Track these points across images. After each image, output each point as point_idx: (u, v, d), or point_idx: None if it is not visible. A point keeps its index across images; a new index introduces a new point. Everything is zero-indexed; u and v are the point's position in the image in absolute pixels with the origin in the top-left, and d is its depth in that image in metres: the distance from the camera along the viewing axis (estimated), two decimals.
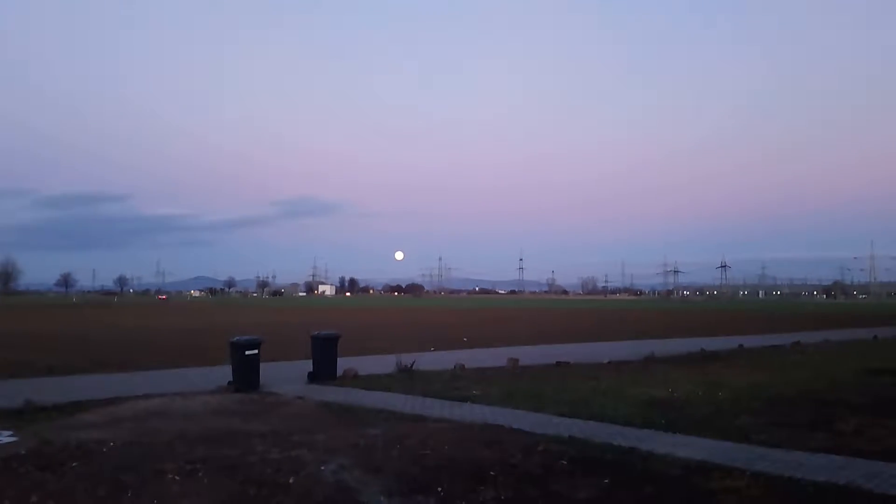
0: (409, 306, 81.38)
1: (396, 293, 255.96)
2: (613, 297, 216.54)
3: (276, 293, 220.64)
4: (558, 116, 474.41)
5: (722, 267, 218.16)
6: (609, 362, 15.97)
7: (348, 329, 27.08)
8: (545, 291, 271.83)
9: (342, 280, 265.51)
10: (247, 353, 11.87)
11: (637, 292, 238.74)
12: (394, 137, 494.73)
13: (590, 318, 46.82)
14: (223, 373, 13.23)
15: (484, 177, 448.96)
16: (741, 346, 20.87)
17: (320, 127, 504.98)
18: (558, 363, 15.63)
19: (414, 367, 13.98)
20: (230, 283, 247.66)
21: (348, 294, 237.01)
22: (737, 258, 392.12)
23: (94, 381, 12.72)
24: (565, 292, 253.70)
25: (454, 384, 12.22)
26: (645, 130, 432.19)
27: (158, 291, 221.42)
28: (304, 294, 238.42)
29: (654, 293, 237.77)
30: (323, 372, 12.99)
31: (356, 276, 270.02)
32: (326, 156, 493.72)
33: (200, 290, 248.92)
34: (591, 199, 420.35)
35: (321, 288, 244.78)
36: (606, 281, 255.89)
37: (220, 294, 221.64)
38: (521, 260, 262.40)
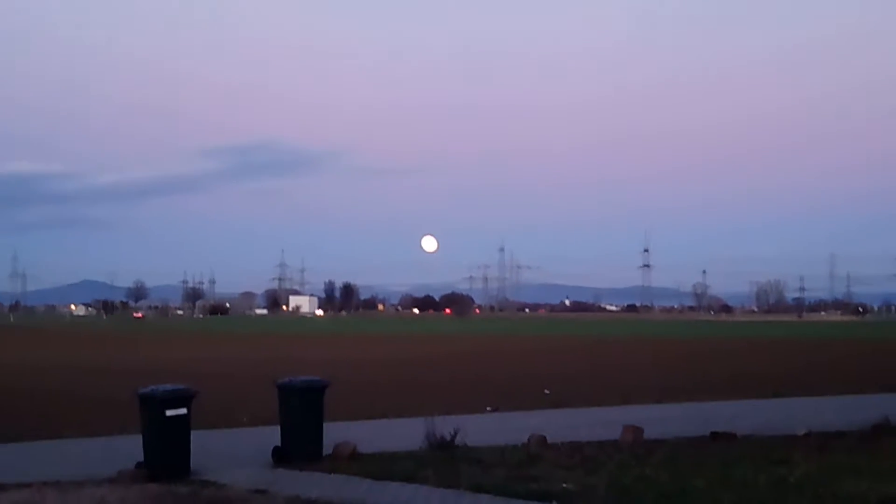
0: (448, 333, 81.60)
1: (425, 310, 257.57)
2: (816, 316, 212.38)
3: (218, 310, 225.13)
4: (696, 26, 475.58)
5: None
6: (807, 434, 15.66)
7: (341, 372, 27.32)
8: (690, 308, 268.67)
9: (329, 287, 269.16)
10: (168, 413, 12.09)
11: (858, 308, 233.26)
12: (424, 50, 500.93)
13: (774, 354, 46.00)
14: (128, 447, 13.58)
15: (577, 121, 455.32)
16: None
17: (286, 16, 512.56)
18: (715, 435, 15.42)
19: (457, 441, 14.01)
20: (138, 293, 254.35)
21: (342, 312, 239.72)
22: None
23: None
24: (727, 309, 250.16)
25: (528, 472, 12.15)
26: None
27: (14, 306, 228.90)
28: (265, 312, 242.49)
29: (888, 309, 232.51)
30: (299, 447, 13.12)
31: (354, 281, 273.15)
32: (301, 71, 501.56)
33: (87, 305, 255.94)
34: (764, 149, 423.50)
35: (294, 301, 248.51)
36: (802, 289, 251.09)
37: (119, 310, 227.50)
38: (645, 253, 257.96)
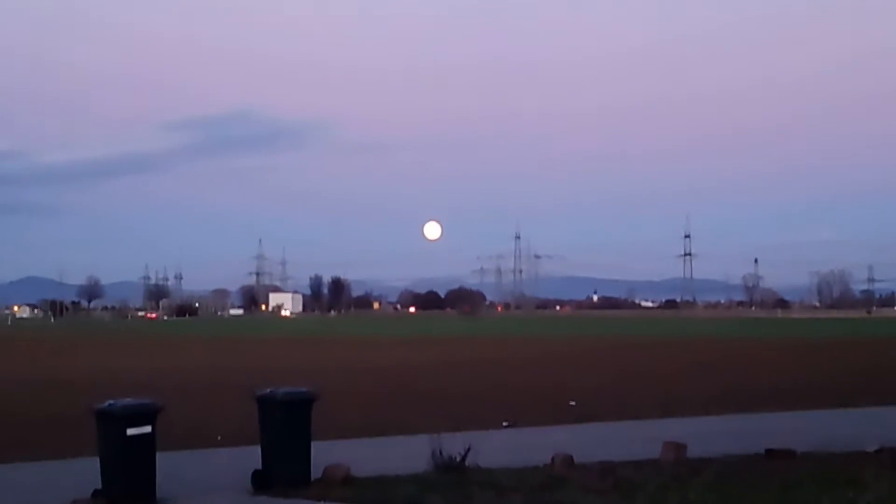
0: (456, 334, 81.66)
1: (427, 308, 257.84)
2: (888, 311, 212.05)
3: (186, 311, 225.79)
4: None
5: None
6: (879, 450, 15.69)
7: (331, 382, 27.38)
8: (739, 303, 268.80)
9: (316, 282, 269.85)
10: (129, 431, 12.14)
11: None
12: (423, 4, 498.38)
13: (838, 356, 45.97)
14: (84, 471, 13.63)
15: (604, 82, 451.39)
16: None
17: None
18: (770, 452, 15.45)
19: (468, 462, 14.05)
20: (92, 292, 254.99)
21: (331, 311, 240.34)
22: None
23: None
24: (783, 304, 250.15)
25: (551, 497, 12.21)
26: None
27: None
28: (241, 312, 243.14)
29: None
30: (283, 470, 13.17)
31: (345, 276, 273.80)
32: (280, 31, 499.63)
33: (32, 305, 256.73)
34: (824, 116, 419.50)
35: (275, 299, 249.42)
36: (871, 280, 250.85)
37: (70, 312, 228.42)
38: (686, 239, 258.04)
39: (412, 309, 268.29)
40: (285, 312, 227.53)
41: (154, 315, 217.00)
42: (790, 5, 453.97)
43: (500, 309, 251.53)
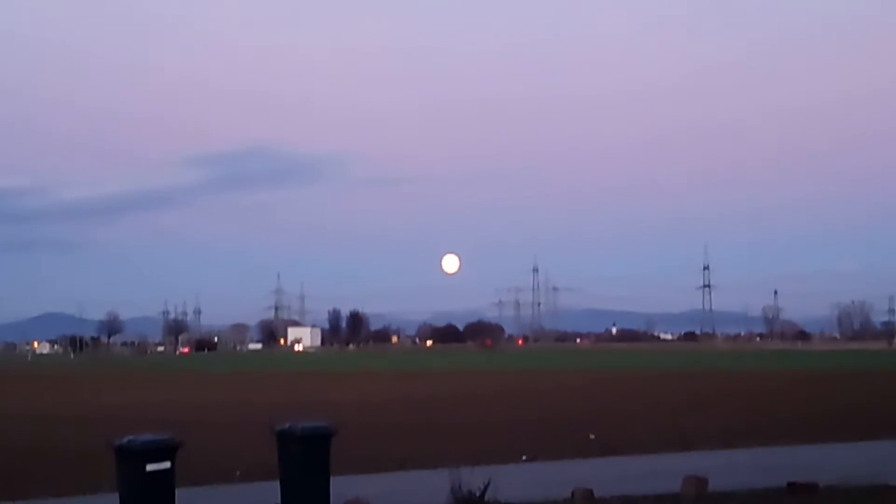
0: (475, 368, 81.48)
1: (446, 341, 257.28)
2: None
3: (205, 345, 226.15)
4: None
5: None
6: None
7: (351, 416, 27.33)
8: (759, 335, 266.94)
9: (334, 316, 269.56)
10: (149, 467, 12.13)
11: None
12: (441, 44, 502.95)
13: (860, 388, 45.65)
14: None
15: (621, 117, 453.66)
16: None
17: (282, 9, 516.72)
18: (793, 486, 15.30)
19: (488, 496, 13.98)
20: (111, 327, 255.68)
21: (349, 346, 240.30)
22: None
23: None
24: (804, 336, 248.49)
25: None
26: None
27: None
28: (259, 346, 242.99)
29: None
30: None
31: (363, 309, 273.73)
32: (300, 68, 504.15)
33: (52, 341, 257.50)
34: (844, 143, 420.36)
35: (293, 334, 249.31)
36: (893, 311, 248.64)
37: (90, 348, 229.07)
38: (705, 271, 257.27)
39: (429, 342, 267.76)
40: (298, 347, 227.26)
41: (188, 349, 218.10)
42: (807, 35, 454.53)
43: (520, 342, 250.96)
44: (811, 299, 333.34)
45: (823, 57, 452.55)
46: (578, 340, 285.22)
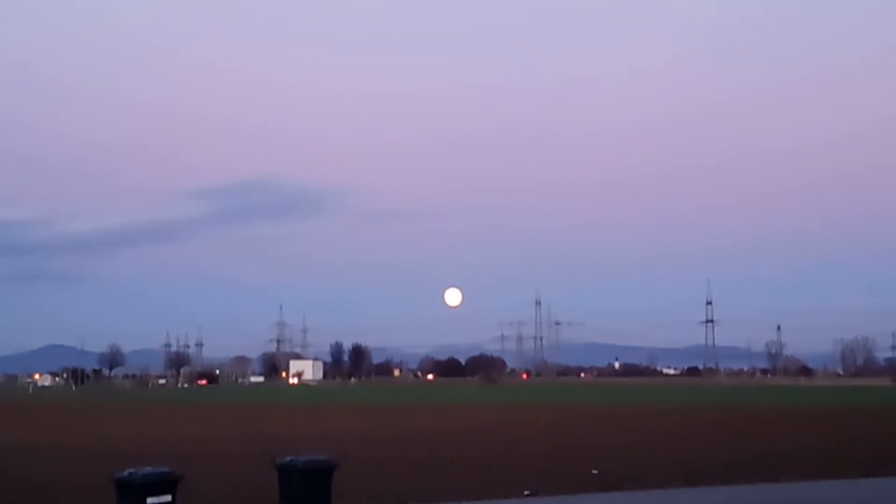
0: (477, 402, 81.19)
1: (448, 375, 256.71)
2: None
3: (206, 378, 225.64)
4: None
5: None
6: None
7: (352, 450, 27.22)
8: (763, 371, 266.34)
9: (337, 349, 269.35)
10: (149, 501, 12.05)
11: None
12: (439, 80, 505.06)
13: (862, 425, 45.49)
14: None
15: (623, 151, 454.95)
16: None
17: (284, 46, 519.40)
18: None
19: None
20: (113, 359, 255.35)
21: (352, 379, 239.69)
22: None
23: None
24: (807, 372, 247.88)
25: None
26: None
27: None
28: (261, 379, 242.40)
29: None
30: None
31: (365, 343, 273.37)
32: (301, 102, 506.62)
33: (53, 373, 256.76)
34: (846, 178, 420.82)
35: (295, 367, 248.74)
36: (895, 347, 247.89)
37: (91, 380, 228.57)
38: (707, 306, 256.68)
39: (431, 376, 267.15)
40: (293, 380, 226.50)
41: (205, 381, 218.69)
42: (808, 73, 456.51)
43: (525, 376, 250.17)
44: (814, 334, 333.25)
45: (825, 93, 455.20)
46: (582, 375, 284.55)
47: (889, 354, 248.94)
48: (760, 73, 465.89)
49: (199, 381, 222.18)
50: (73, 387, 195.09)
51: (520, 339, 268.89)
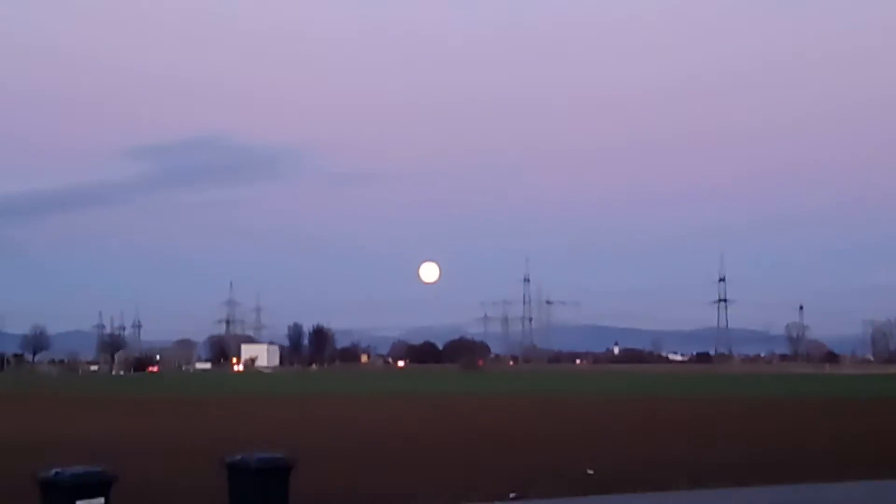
0: (456, 392, 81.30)
1: (423, 362, 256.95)
2: None
3: (144, 364, 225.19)
4: None
5: None
6: None
7: (312, 447, 27.35)
8: (782, 356, 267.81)
9: (295, 332, 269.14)
10: (79, 503, 12.10)
11: None
12: (415, 27, 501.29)
13: (894, 418, 45.79)
14: None
15: (625, 112, 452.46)
16: None
17: None
18: None
19: None
20: (37, 343, 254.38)
21: (312, 366, 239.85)
22: None
23: None
24: (832, 358, 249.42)
25: None
26: None
27: None
28: (208, 366, 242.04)
29: None
30: None
31: (328, 324, 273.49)
32: (254, 50, 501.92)
33: None
34: (873, 146, 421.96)
35: (247, 351, 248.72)
36: None
37: (11, 366, 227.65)
38: (720, 283, 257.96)
39: (401, 363, 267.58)
40: (239, 367, 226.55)
41: (150, 369, 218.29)
42: (833, 41, 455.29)
43: (511, 363, 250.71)
44: (841, 316, 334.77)
45: (855, 63, 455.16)
46: (578, 361, 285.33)
47: None
48: (785, 35, 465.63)
49: (137, 368, 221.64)
50: None
51: (505, 320, 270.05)
